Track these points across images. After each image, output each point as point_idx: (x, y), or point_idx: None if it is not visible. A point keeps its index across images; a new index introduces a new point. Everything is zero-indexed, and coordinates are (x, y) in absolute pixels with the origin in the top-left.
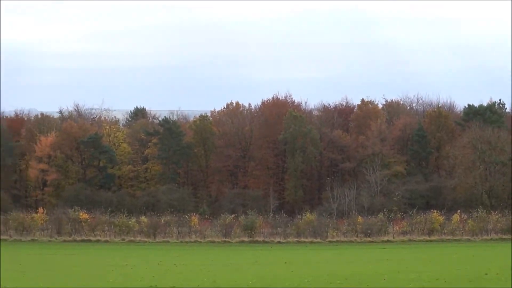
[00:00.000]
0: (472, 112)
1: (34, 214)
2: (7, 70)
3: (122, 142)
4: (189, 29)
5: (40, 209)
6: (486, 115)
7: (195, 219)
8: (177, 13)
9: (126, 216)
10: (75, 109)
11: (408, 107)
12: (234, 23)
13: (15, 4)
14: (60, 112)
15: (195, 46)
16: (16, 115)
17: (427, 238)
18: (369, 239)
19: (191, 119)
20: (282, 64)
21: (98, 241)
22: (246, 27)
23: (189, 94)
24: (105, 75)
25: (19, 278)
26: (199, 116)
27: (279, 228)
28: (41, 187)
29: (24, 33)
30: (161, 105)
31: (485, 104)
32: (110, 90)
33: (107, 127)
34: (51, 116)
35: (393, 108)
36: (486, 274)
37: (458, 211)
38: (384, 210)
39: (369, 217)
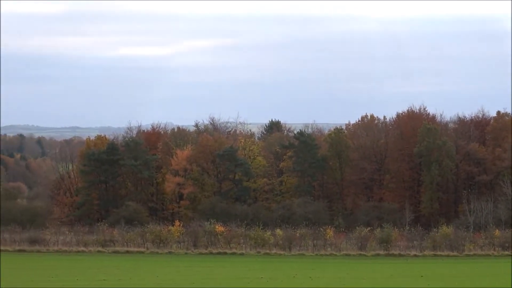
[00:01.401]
0: None
1: (170, 227)
2: (144, 84)
3: (257, 155)
4: (324, 43)
5: (177, 222)
6: None
7: (330, 232)
8: (313, 27)
9: (261, 229)
10: (210, 123)
11: None
12: (368, 37)
13: (146, 20)
14: (196, 125)
15: (330, 60)
16: (153, 128)
17: None
18: (507, 252)
19: (326, 132)
20: (416, 77)
21: (233, 253)
22: (381, 41)
23: (324, 107)
24: (241, 89)
25: None
26: (334, 129)
27: (415, 241)
28: (178, 200)
29: (162, 49)
30: (296, 118)
31: None
32: (245, 104)
33: (243, 140)
34: (187, 130)
35: None
36: None
37: None
38: None
39: (507, 230)
